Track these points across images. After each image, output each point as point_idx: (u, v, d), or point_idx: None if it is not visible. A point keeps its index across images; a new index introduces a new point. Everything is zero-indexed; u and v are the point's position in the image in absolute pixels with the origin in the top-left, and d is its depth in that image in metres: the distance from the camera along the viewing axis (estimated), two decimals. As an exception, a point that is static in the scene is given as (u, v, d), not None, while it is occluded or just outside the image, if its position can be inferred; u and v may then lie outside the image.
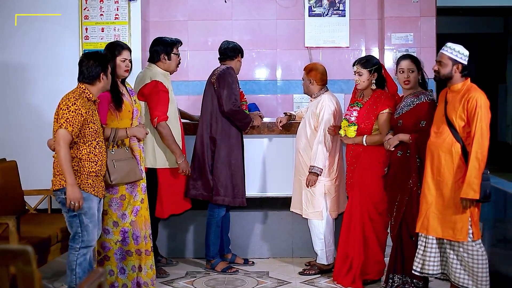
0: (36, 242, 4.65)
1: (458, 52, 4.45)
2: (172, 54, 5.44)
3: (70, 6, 6.57)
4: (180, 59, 5.58)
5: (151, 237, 5.10)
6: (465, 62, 4.45)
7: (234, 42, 5.76)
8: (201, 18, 7.09)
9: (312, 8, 7.05)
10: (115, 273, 4.90)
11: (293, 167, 5.72)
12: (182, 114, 5.84)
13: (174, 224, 6.10)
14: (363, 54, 6.93)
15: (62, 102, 4.32)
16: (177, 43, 5.52)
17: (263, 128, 5.88)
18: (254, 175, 5.98)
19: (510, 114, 12.51)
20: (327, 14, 7.03)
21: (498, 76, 12.57)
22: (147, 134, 5.05)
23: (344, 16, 7.04)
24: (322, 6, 7.03)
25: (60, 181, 4.35)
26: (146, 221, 5.02)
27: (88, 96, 4.40)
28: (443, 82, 4.56)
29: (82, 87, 4.42)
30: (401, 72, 4.96)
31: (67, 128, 4.24)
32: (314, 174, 5.34)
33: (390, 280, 5.00)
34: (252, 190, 5.94)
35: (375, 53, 6.98)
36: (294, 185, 5.67)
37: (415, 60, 4.97)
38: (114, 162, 4.65)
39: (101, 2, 6.60)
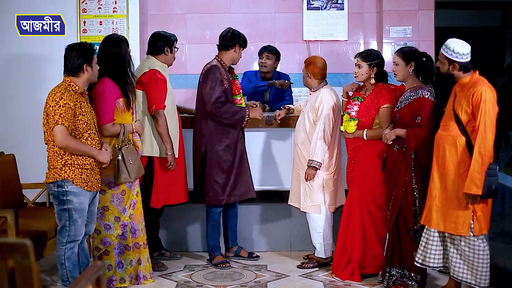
0: (34, 236, 4.66)
1: (453, 52, 4.43)
2: (173, 48, 5.51)
3: (69, 1, 6.57)
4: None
5: (145, 229, 5.12)
6: (462, 60, 4.42)
7: (235, 31, 5.72)
8: (199, 12, 7.08)
9: (311, 1, 7.04)
10: (113, 267, 4.90)
11: (291, 161, 5.72)
12: (180, 110, 5.82)
13: (178, 217, 6.09)
14: (362, 48, 6.93)
15: (50, 98, 4.32)
16: (176, 38, 5.59)
17: (261, 122, 5.87)
18: (253, 169, 5.96)
19: (509, 107, 12.51)
20: (326, 7, 7.02)
21: (496, 69, 12.56)
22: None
23: (343, 9, 7.04)
24: (320, 0, 7.02)
25: (53, 174, 4.37)
26: (141, 214, 5.06)
27: (74, 89, 4.39)
28: (448, 77, 4.55)
29: (68, 80, 4.41)
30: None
31: (63, 124, 4.26)
32: (312, 168, 5.33)
33: (387, 274, 5.01)
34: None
35: (373, 46, 6.98)
36: (292, 179, 5.66)
37: (402, 53, 4.94)
38: (130, 159, 4.69)
39: (99, -5, 6.59)
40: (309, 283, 5.22)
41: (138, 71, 5.40)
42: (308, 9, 7.05)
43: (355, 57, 5.27)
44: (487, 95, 4.29)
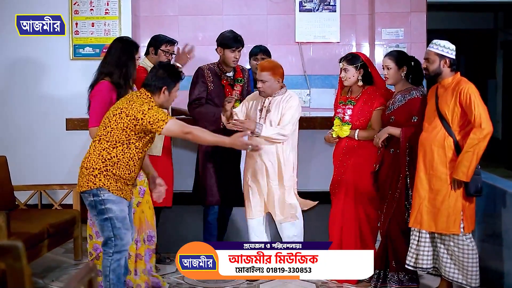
0: (26, 238, 4.64)
1: (443, 47, 4.48)
2: (159, 50, 5.42)
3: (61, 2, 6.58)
4: (169, 58, 5.48)
5: (145, 242, 4.98)
6: (452, 56, 4.48)
7: (223, 33, 5.55)
8: (191, 13, 7.08)
9: (303, 3, 7.05)
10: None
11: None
12: (175, 111, 5.76)
13: (171, 219, 6.06)
14: (354, 50, 6.95)
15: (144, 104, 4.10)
16: (167, 41, 5.47)
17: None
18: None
19: (500, 109, 12.56)
20: (318, 9, 7.04)
21: (488, 72, 12.62)
22: None
23: (335, 11, 7.05)
24: (312, 1, 7.04)
25: (87, 182, 4.07)
26: (141, 224, 4.90)
27: None
28: (433, 78, 4.59)
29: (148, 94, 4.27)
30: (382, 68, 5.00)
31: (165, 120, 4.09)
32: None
33: (380, 276, 5.00)
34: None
35: (366, 48, 7.00)
36: (275, 196, 5.27)
37: (395, 57, 4.93)
38: None
39: (91, -3, 6.59)
40: (303, 285, 5.21)
41: None
42: (300, 11, 7.07)
43: (339, 62, 5.23)
44: (474, 91, 4.37)
